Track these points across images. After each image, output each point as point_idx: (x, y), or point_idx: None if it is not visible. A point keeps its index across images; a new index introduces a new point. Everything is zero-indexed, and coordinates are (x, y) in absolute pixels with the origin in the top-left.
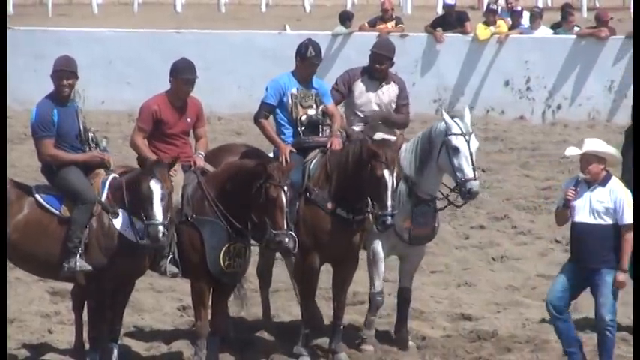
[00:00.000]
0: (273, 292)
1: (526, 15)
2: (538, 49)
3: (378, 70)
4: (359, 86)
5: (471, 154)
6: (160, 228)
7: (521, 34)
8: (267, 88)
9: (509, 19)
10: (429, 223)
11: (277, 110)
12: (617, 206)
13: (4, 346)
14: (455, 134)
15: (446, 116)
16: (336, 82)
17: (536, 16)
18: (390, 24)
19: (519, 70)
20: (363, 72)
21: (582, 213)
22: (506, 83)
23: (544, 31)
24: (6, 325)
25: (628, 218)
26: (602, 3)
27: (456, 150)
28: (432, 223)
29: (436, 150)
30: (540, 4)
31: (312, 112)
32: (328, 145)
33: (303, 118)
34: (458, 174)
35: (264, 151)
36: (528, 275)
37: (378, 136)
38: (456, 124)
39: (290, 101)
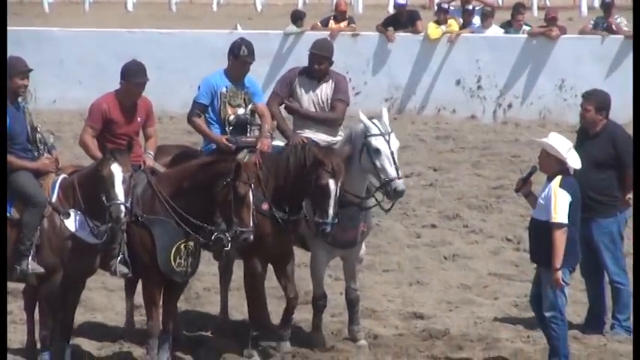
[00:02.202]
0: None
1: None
2: (489, 48)
3: (317, 70)
4: (297, 87)
5: (392, 154)
6: (122, 207)
7: (472, 33)
8: (199, 87)
9: (460, 19)
10: (356, 227)
11: (208, 109)
12: (548, 203)
13: (4, 345)
14: (374, 135)
15: (363, 117)
16: (276, 86)
17: (487, 15)
18: (343, 24)
19: (470, 69)
20: (301, 72)
21: (535, 208)
22: (458, 82)
23: (495, 31)
24: (6, 325)
25: (554, 216)
26: (552, 2)
27: (377, 151)
28: (359, 227)
29: (356, 152)
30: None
31: (241, 111)
32: (258, 146)
33: (231, 117)
34: (381, 174)
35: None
36: (480, 274)
37: (316, 136)
38: (374, 124)
39: (219, 101)
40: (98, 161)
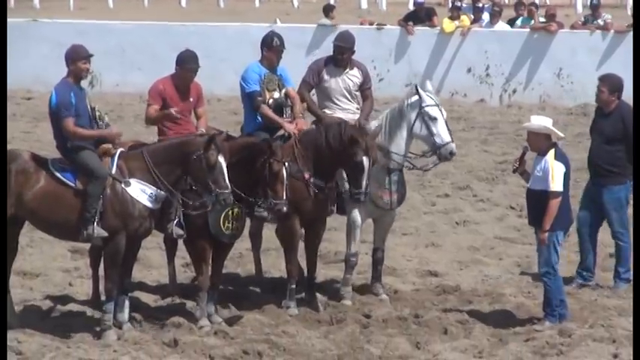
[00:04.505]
0: (264, 252)
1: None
2: (496, 40)
3: (341, 59)
4: (325, 74)
5: (445, 121)
6: (231, 196)
7: (481, 27)
8: (245, 80)
9: (471, 15)
10: (400, 189)
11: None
12: (546, 174)
13: (4, 345)
14: (430, 105)
15: (420, 91)
16: (306, 75)
17: (495, 14)
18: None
19: (480, 59)
20: (327, 61)
21: (530, 180)
22: (469, 70)
23: (502, 26)
24: (6, 324)
25: (552, 185)
26: (552, 0)
27: (434, 119)
28: (402, 189)
29: (408, 121)
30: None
31: (276, 95)
32: (294, 126)
33: (271, 101)
34: (437, 139)
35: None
36: (487, 237)
37: (346, 117)
38: (430, 96)
39: (260, 87)
40: (195, 142)
